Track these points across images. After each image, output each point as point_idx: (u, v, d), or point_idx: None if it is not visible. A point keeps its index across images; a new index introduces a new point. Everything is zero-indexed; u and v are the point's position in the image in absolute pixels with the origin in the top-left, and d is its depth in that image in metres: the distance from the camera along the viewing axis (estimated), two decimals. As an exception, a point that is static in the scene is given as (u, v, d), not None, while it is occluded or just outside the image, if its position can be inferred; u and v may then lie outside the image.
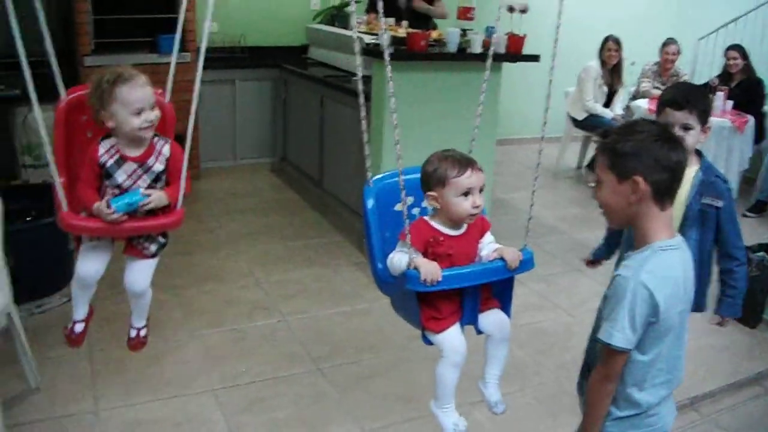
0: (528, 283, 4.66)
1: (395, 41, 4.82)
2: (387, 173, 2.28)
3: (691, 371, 2.95)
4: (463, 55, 4.56)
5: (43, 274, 3.88)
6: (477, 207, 2.09)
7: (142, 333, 2.85)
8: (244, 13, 6.98)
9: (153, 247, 2.60)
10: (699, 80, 7.45)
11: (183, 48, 6.11)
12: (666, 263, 1.85)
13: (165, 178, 2.53)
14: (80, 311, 2.71)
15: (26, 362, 3.24)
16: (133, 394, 3.26)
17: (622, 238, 2.72)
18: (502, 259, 2.10)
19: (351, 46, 5.58)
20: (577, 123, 7.07)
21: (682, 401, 3.27)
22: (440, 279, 1.97)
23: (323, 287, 4.44)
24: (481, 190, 2.10)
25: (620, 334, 1.82)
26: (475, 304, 2.19)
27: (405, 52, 4.54)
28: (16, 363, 3.25)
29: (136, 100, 2.34)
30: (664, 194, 1.85)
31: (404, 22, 5.70)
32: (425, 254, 2.08)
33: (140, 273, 2.61)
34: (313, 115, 5.92)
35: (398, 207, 2.14)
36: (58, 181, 2.41)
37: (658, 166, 1.81)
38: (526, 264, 2.15)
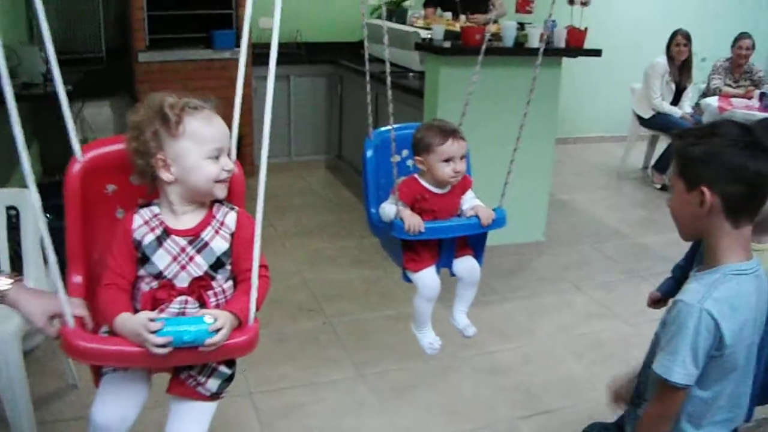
0: (586, 290, 4.45)
1: (451, 36, 4.65)
2: (388, 128, 2.38)
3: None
4: (520, 50, 4.36)
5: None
6: (457, 173, 2.30)
7: None
8: (300, 9, 6.86)
9: (213, 384, 1.78)
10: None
11: (237, 43, 6.06)
12: (737, 291, 1.63)
13: (230, 268, 1.76)
14: None
15: (65, 360, 3.18)
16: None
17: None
18: (477, 216, 2.31)
19: (407, 41, 5.49)
20: (643, 121, 6.77)
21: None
22: (423, 230, 2.21)
23: (371, 289, 4.30)
24: (462, 158, 2.31)
25: (681, 369, 1.62)
26: (451, 252, 2.43)
27: (460, 47, 4.36)
28: (56, 359, 3.21)
29: (214, 138, 1.69)
30: (738, 210, 1.63)
31: (462, 17, 5.52)
32: (412, 207, 2.31)
33: (191, 423, 1.78)
34: (372, 109, 5.73)
35: (394, 159, 2.33)
36: (60, 285, 1.57)
37: (731, 176, 1.59)
38: (498, 222, 2.34)
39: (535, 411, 3.20)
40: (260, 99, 6.53)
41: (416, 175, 2.39)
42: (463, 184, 2.41)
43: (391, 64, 6.94)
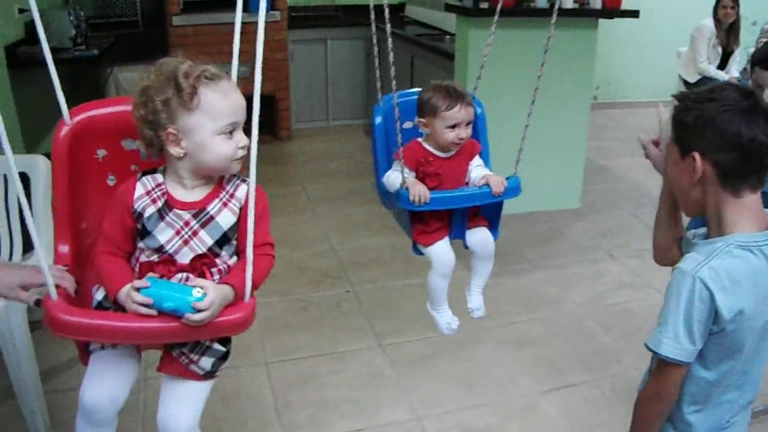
0: (621, 259, 4.32)
1: (484, -3, 4.50)
2: (398, 92, 2.21)
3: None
4: (552, 11, 4.20)
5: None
6: (461, 139, 2.20)
7: None
8: (336, -30, 6.76)
9: (206, 362, 1.65)
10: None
11: (273, 6, 5.98)
12: (742, 264, 1.49)
13: (237, 244, 1.65)
14: None
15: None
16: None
17: None
18: (488, 185, 2.19)
19: (441, 2, 5.36)
20: (688, 86, 6.52)
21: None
22: (428, 200, 2.09)
23: (398, 256, 4.22)
24: (468, 124, 2.20)
25: (672, 343, 1.50)
26: (463, 222, 2.30)
27: (489, 8, 4.21)
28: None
29: (230, 113, 1.57)
30: (735, 178, 1.50)
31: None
32: (417, 172, 2.21)
33: (181, 404, 1.65)
34: (404, 75, 5.66)
35: (407, 125, 2.26)
36: (43, 255, 1.48)
37: (723, 142, 1.47)
38: (512, 191, 2.21)
39: (557, 385, 3.11)
40: (296, 63, 6.51)
41: (419, 139, 2.28)
42: (471, 150, 2.30)
43: (429, 26, 6.84)
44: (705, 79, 6.30)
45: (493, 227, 2.39)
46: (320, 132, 6.80)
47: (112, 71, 5.16)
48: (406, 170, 2.15)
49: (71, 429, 2.72)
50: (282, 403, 2.96)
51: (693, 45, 6.37)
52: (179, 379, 1.64)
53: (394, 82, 2.14)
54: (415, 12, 6.66)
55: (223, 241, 1.58)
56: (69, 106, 1.61)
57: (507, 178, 2.22)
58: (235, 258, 1.64)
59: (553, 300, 3.85)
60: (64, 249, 1.65)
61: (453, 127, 2.18)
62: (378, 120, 2.37)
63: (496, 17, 2.45)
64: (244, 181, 1.63)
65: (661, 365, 1.56)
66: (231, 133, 1.56)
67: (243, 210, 1.59)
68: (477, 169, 2.29)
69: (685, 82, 6.56)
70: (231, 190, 1.62)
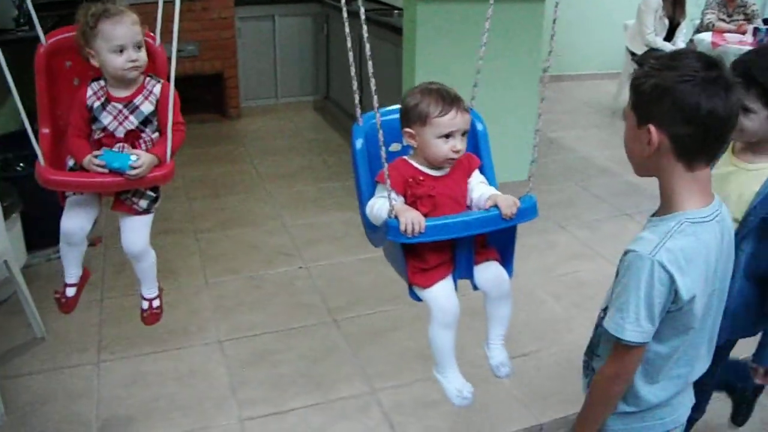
0: (570, 229, 4.38)
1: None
2: (382, 110, 1.88)
3: None
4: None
5: (58, 218, 3.76)
6: (457, 152, 1.84)
7: (155, 304, 2.51)
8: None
9: (143, 203, 2.32)
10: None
11: (218, -18, 5.90)
12: (694, 242, 1.49)
13: (157, 124, 2.28)
14: (71, 273, 2.41)
15: (29, 312, 3.16)
16: (138, 345, 3.13)
17: None
18: (496, 206, 1.80)
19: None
20: (636, 57, 6.61)
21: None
22: (423, 230, 1.72)
23: (350, 232, 4.20)
24: (464, 134, 1.86)
25: (634, 327, 1.50)
26: (469, 256, 1.91)
27: (437, -19, 4.21)
28: (22, 314, 3.18)
29: (118, 37, 2.13)
30: (691, 151, 1.47)
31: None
32: (405, 196, 1.85)
33: (134, 232, 2.33)
34: (353, 51, 5.60)
35: (393, 147, 1.96)
36: (30, 130, 2.14)
37: (681, 114, 1.42)
38: (526, 213, 1.82)
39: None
40: (244, 41, 6.44)
41: (405, 157, 1.93)
42: (468, 165, 1.95)
43: (377, 2, 6.77)
44: (651, 51, 6.38)
45: (506, 261, 2.01)
46: (270, 109, 6.74)
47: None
48: (393, 194, 1.78)
49: (26, 415, 2.72)
50: (237, 381, 2.95)
51: (640, 17, 6.45)
52: (128, 215, 2.31)
53: (375, 98, 1.76)
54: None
55: (145, 122, 2.22)
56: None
57: (520, 198, 1.85)
58: (157, 134, 2.26)
59: (505, 271, 3.87)
60: (46, 130, 2.26)
61: (447, 137, 1.83)
62: (359, 143, 2.00)
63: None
64: (158, 81, 2.26)
65: (620, 348, 1.55)
66: (121, 51, 2.13)
67: (159, 101, 2.23)
68: (479, 187, 1.93)
69: (633, 54, 6.64)
70: (150, 88, 2.24)
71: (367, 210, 1.90)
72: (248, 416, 2.78)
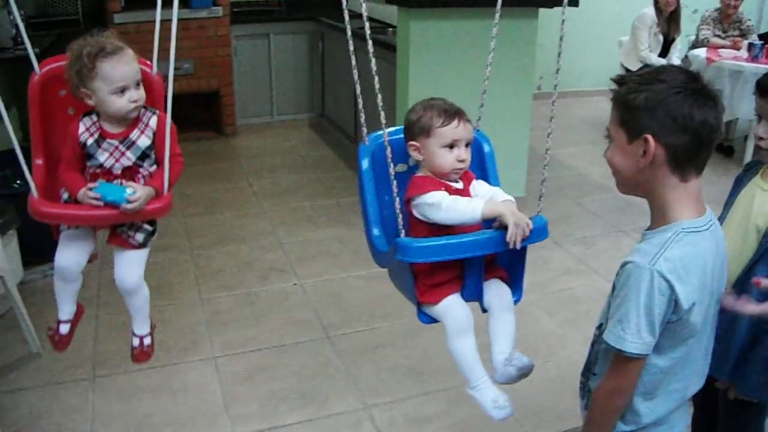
0: (565, 245, 4.39)
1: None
2: (389, 130, 1.89)
3: None
4: (494, 1, 4.25)
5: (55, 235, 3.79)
6: (462, 161, 1.87)
7: (146, 342, 2.40)
8: (279, -36, 6.74)
9: (139, 236, 2.23)
10: (766, 28, 6.94)
11: (214, 2, 5.94)
12: (691, 251, 1.50)
13: (154, 157, 2.18)
14: (65, 309, 2.31)
15: (25, 328, 3.16)
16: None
17: None
18: (505, 228, 1.75)
19: (384, -5, 5.37)
20: (614, 77, 6.64)
21: None
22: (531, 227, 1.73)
23: (344, 249, 4.22)
24: (467, 144, 1.89)
25: (635, 339, 1.49)
26: (479, 275, 1.89)
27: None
28: (18, 329, 3.18)
29: (120, 78, 2.03)
30: (684, 162, 1.50)
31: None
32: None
33: (128, 266, 2.23)
34: (348, 69, 5.62)
35: (399, 168, 1.95)
36: (23, 160, 2.04)
37: (676, 125, 1.45)
38: (538, 233, 1.78)
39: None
40: (240, 59, 6.47)
41: (418, 174, 1.93)
42: (467, 178, 1.97)
43: (371, 20, 6.81)
44: (646, 67, 6.41)
45: (514, 285, 1.97)
46: (265, 127, 6.77)
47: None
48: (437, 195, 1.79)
49: (21, 430, 2.74)
50: (230, 397, 2.95)
51: (634, 33, 6.49)
52: (124, 249, 2.21)
53: (382, 114, 1.79)
54: (356, 4, 6.66)
55: (142, 157, 2.14)
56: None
57: (531, 218, 1.80)
58: (155, 167, 2.18)
59: (499, 287, 3.88)
60: (39, 161, 2.19)
61: (451, 147, 1.87)
62: (365, 163, 1.99)
63: None
64: (154, 113, 2.16)
65: (620, 361, 1.55)
66: (122, 92, 2.04)
67: (156, 134, 2.14)
68: (480, 187, 1.95)
69: (627, 71, 6.66)
70: (146, 122, 2.14)
71: (444, 213, 1.80)
72: (241, 432, 2.79)
